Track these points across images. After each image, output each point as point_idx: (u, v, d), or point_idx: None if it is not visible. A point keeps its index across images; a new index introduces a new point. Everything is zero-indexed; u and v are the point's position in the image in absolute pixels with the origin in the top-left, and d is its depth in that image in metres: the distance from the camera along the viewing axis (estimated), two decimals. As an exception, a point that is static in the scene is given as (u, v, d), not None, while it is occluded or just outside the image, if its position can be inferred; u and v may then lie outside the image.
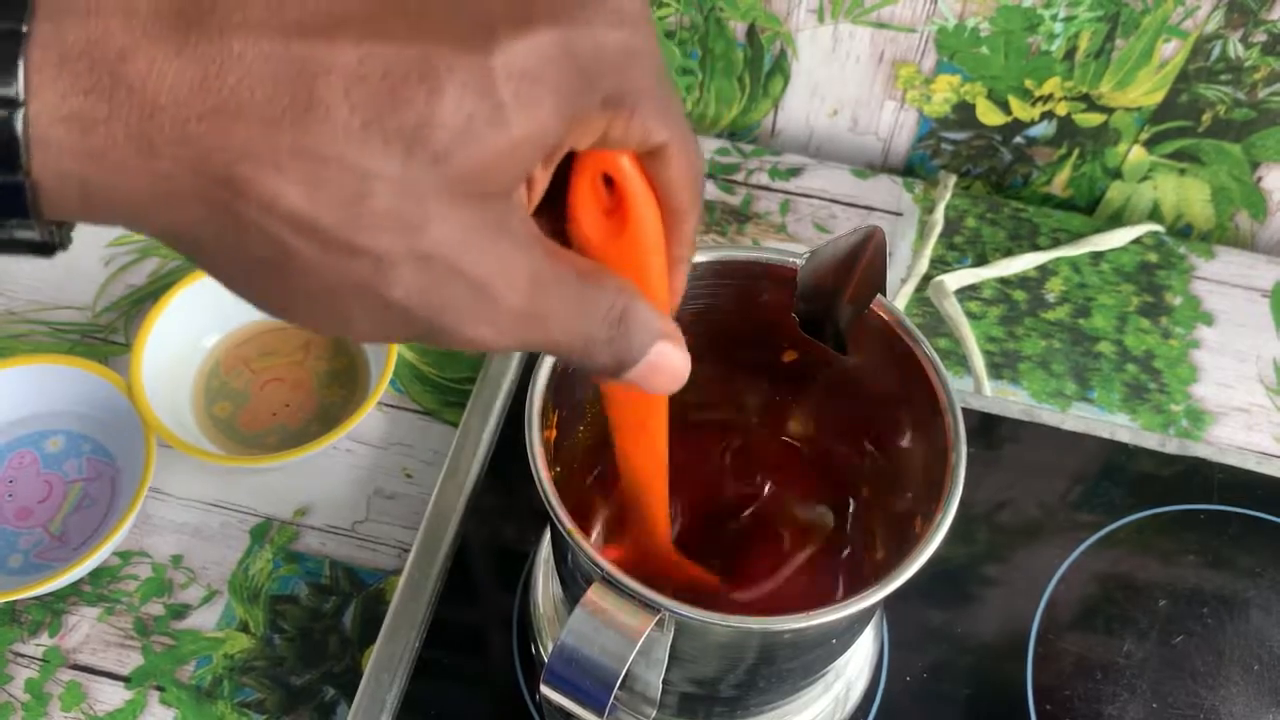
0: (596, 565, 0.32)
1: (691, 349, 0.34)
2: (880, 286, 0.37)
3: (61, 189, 0.21)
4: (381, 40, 0.21)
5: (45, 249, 0.23)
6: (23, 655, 0.49)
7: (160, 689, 0.49)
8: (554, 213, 0.27)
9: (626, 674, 0.31)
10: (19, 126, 0.20)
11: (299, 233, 0.22)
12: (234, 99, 0.21)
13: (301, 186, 0.21)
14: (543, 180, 0.25)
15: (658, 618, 0.31)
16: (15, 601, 0.50)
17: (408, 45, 0.21)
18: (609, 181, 0.26)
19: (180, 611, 0.51)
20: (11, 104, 0.20)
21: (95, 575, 0.52)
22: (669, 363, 0.28)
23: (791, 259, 0.38)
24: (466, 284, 0.23)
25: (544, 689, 0.32)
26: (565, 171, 0.26)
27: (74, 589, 0.51)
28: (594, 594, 0.32)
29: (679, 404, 0.45)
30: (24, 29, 0.20)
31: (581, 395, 0.40)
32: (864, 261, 0.37)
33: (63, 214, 0.22)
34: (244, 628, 0.50)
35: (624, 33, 0.24)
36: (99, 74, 0.21)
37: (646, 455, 0.35)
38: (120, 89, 0.21)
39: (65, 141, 0.21)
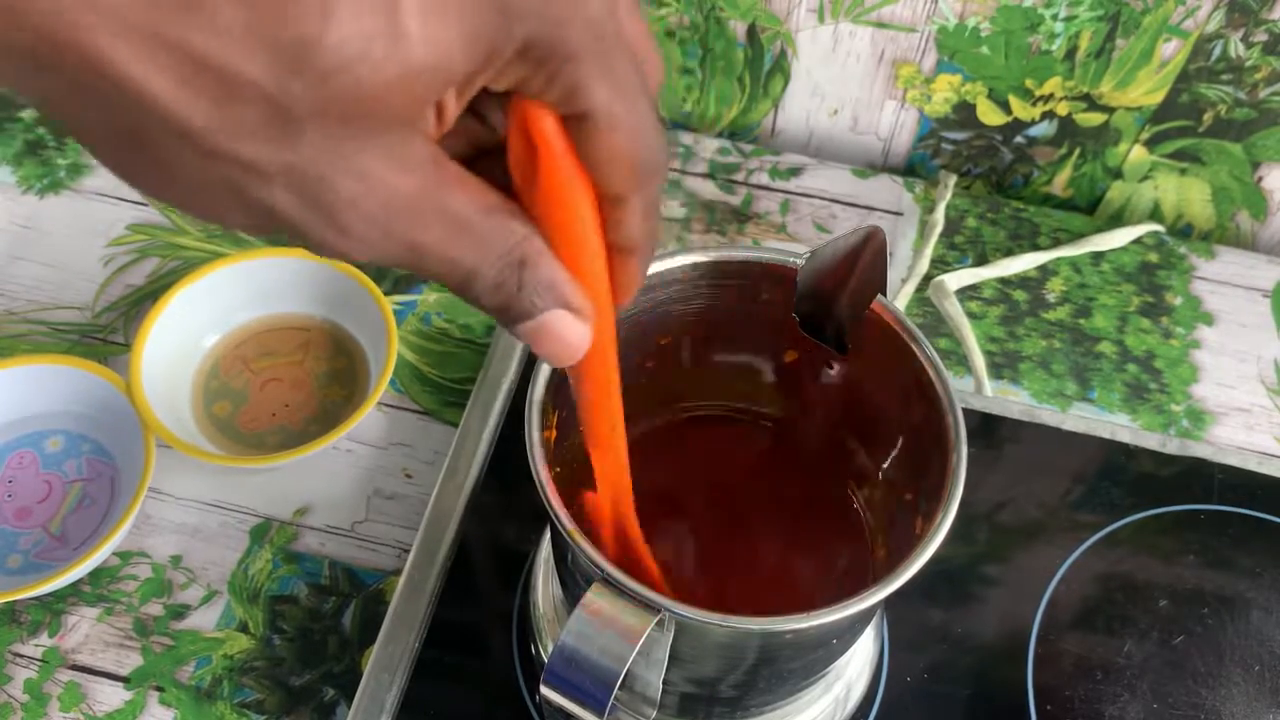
0: (596, 565, 0.32)
1: (691, 349, 0.34)
2: (880, 287, 0.37)
3: None
4: None
5: None
6: (22, 655, 0.49)
7: (160, 689, 0.49)
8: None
9: (626, 674, 0.31)
10: None
11: (167, 126, 0.21)
12: None
13: (172, 80, 0.20)
14: (455, 108, 0.24)
15: (658, 618, 0.31)
16: (15, 602, 0.50)
17: None
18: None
19: (180, 612, 0.51)
20: None
21: (95, 575, 0.52)
22: (561, 332, 0.26)
23: (791, 259, 0.38)
24: (332, 199, 0.22)
25: (544, 690, 0.31)
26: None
27: (73, 589, 0.51)
28: (594, 594, 0.31)
29: (678, 405, 0.45)
30: None
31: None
32: (864, 262, 0.37)
33: None
34: (243, 628, 0.50)
35: None
36: None
37: (596, 421, 0.33)
38: None
39: None
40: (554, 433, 0.37)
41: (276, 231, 0.24)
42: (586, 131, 0.24)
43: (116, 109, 0.21)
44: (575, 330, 0.26)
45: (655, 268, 0.38)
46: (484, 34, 0.21)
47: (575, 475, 0.43)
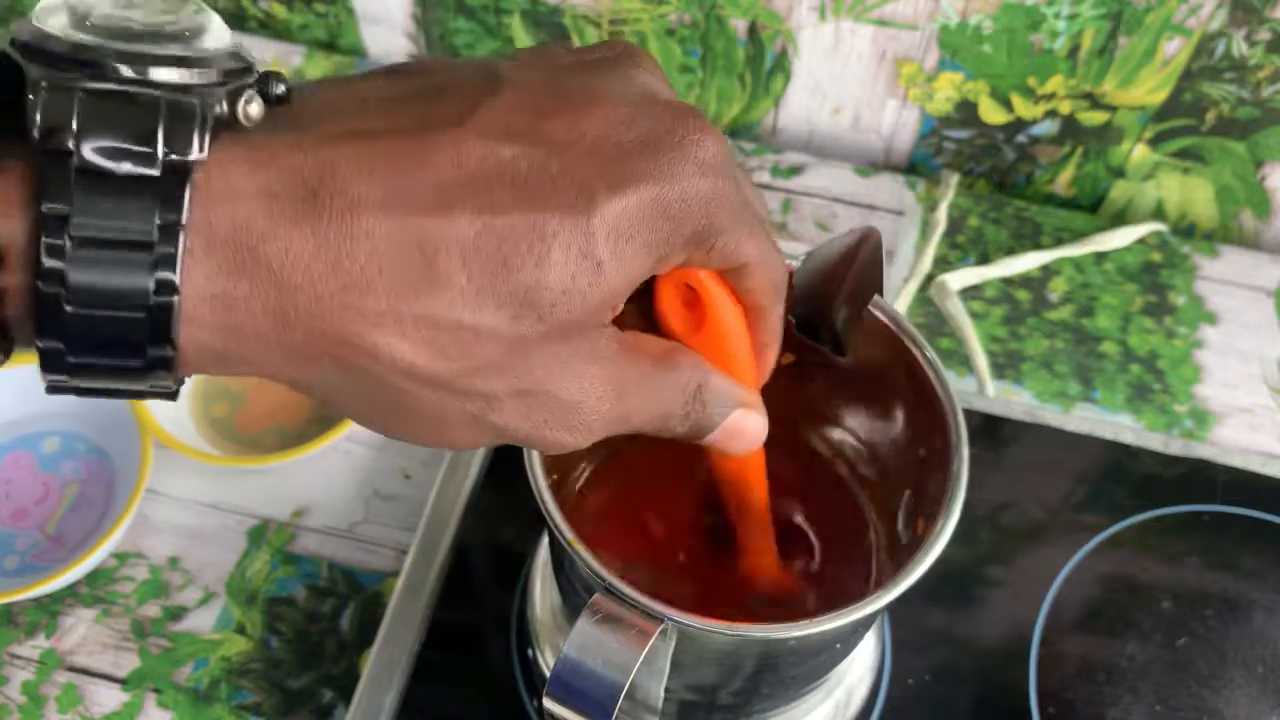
0: (599, 576, 0.31)
1: None
2: (877, 287, 0.37)
3: (200, 356, 0.24)
4: (493, 213, 0.24)
5: (171, 395, 0.25)
6: (19, 657, 0.49)
7: (157, 691, 0.48)
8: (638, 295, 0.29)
9: (629, 684, 0.31)
10: (174, 307, 0.22)
11: (419, 384, 0.25)
12: (363, 276, 0.23)
13: (424, 348, 0.24)
14: (625, 300, 0.28)
15: (661, 627, 0.31)
16: (11, 603, 0.50)
17: (517, 215, 0.24)
18: (691, 288, 0.29)
19: (177, 613, 0.51)
20: (170, 289, 0.22)
21: (92, 577, 0.51)
22: (744, 426, 0.31)
23: (787, 260, 0.38)
24: (559, 406, 0.26)
25: (547, 702, 0.31)
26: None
27: (70, 591, 0.51)
28: (596, 605, 0.31)
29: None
30: (182, 220, 0.22)
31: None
32: (860, 262, 0.37)
33: (196, 373, 0.25)
34: (241, 630, 0.50)
35: (707, 181, 0.26)
36: (242, 256, 0.23)
37: (748, 500, 0.37)
38: (260, 269, 0.23)
39: (209, 319, 0.23)
40: None
41: (498, 443, 0.28)
42: (743, 275, 0.29)
43: (376, 379, 0.25)
44: (753, 421, 0.31)
45: None
46: (660, 242, 0.26)
47: (572, 482, 0.43)
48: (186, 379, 0.26)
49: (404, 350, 0.24)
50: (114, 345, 0.23)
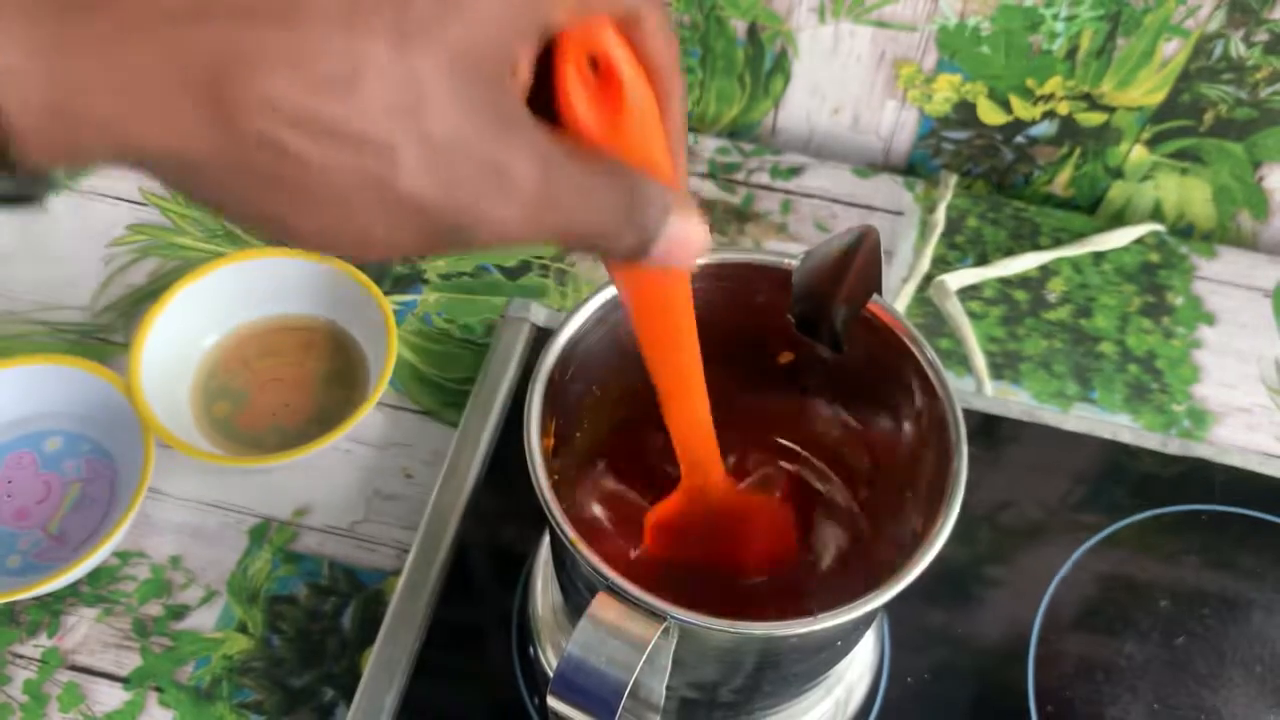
0: (601, 574, 0.31)
1: None
2: (876, 286, 0.37)
3: (35, 122, 0.20)
4: None
5: (25, 200, 0.22)
6: (21, 656, 0.49)
7: (159, 690, 0.49)
8: (540, 113, 0.26)
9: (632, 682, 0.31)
10: None
11: (299, 128, 0.21)
12: (209, 5, 0.20)
13: (295, 78, 0.21)
14: (526, 69, 0.25)
15: (664, 626, 0.31)
16: (14, 602, 0.50)
17: None
18: (595, 67, 0.25)
19: (179, 612, 0.51)
20: None
21: (94, 576, 0.51)
22: (686, 233, 0.27)
23: (786, 260, 0.38)
24: (480, 166, 0.23)
25: (551, 701, 0.31)
26: (550, 73, 0.25)
27: (72, 590, 0.51)
28: (599, 604, 0.31)
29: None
30: None
31: (578, 402, 0.40)
32: (858, 262, 0.37)
33: (45, 153, 0.21)
34: (243, 628, 0.50)
35: None
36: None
37: (680, 364, 0.34)
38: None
39: (32, 70, 0.20)
40: (552, 440, 0.37)
41: (425, 234, 0.23)
42: (643, 30, 0.26)
43: (243, 131, 0.21)
44: (694, 226, 0.27)
45: None
46: None
47: (573, 481, 0.43)
48: (40, 193, 0.22)
49: (271, 81, 0.20)
50: None
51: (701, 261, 0.38)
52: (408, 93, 0.21)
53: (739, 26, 0.66)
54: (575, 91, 0.25)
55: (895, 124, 0.69)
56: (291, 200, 0.22)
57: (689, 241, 0.27)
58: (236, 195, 0.22)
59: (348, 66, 0.21)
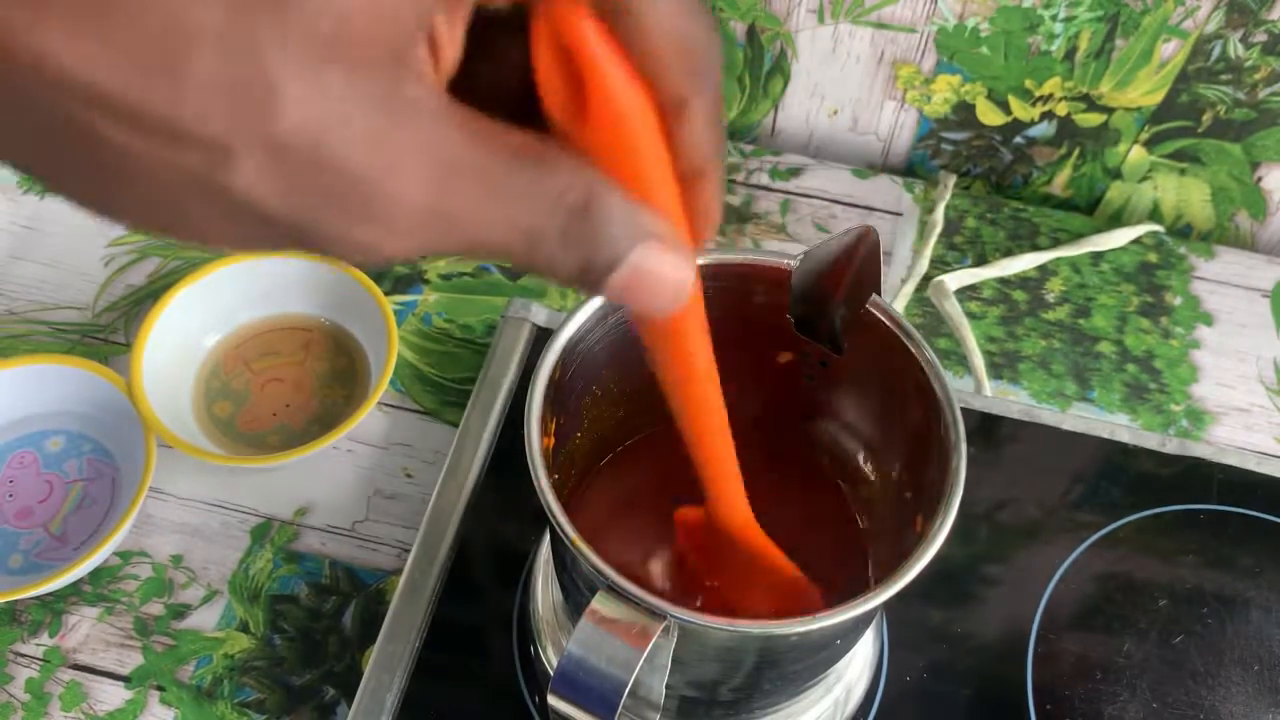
0: (601, 574, 0.31)
1: None
2: (875, 286, 0.37)
3: None
4: None
5: None
6: (23, 655, 0.49)
7: (160, 689, 0.49)
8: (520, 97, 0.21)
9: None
10: None
11: (104, 113, 0.16)
12: None
13: (96, 48, 0.16)
14: (451, 41, 0.20)
15: (664, 624, 0.31)
16: (15, 601, 0.50)
17: None
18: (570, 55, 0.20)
19: (180, 611, 0.51)
20: None
21: (95, 575, 0.52)
22: (657, 269, 0.21)
23: (785, 260, 0.38)
24: (341, 177, 0.18)
25: (551, 700, 0.31)
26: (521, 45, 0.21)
27: (74, 589, 0.51)
28: (599, 603, 0.31)
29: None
30: None
31: (578, 402, 0.40)
32: (858, 261, 0.37)
33: None
34: (244, 628, 0.50)
35: None
36: None
37: (695, 394, 0.30)
38: None
39: None
40: (552, 440, 0.37)
41: (271, 242, 0.19)
42: (628, 19, 0.20)
43: (34, 105, 0.17)
44: (672, 263, 0.21)
45: None
46: None
47: (574, 481, 0.43)
48: None
49: (63, 47, 0.16)
50: None
51: (699, 263, 0.38)
52: (247, 80, 0.17)
53: (738, 28, 0.66)
54: (547, 82, 0.20)
55: (894, 125, 0.69)
56: (105, 189, 0.18)
57: (657, 282, 0.21)
58: (46, 173, 0.18)
59: (168, 38, 0.16)
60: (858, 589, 0.32)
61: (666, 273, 0.21)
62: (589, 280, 0.21)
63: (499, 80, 0.21)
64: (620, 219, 0.21)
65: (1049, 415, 0.56)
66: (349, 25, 0.17)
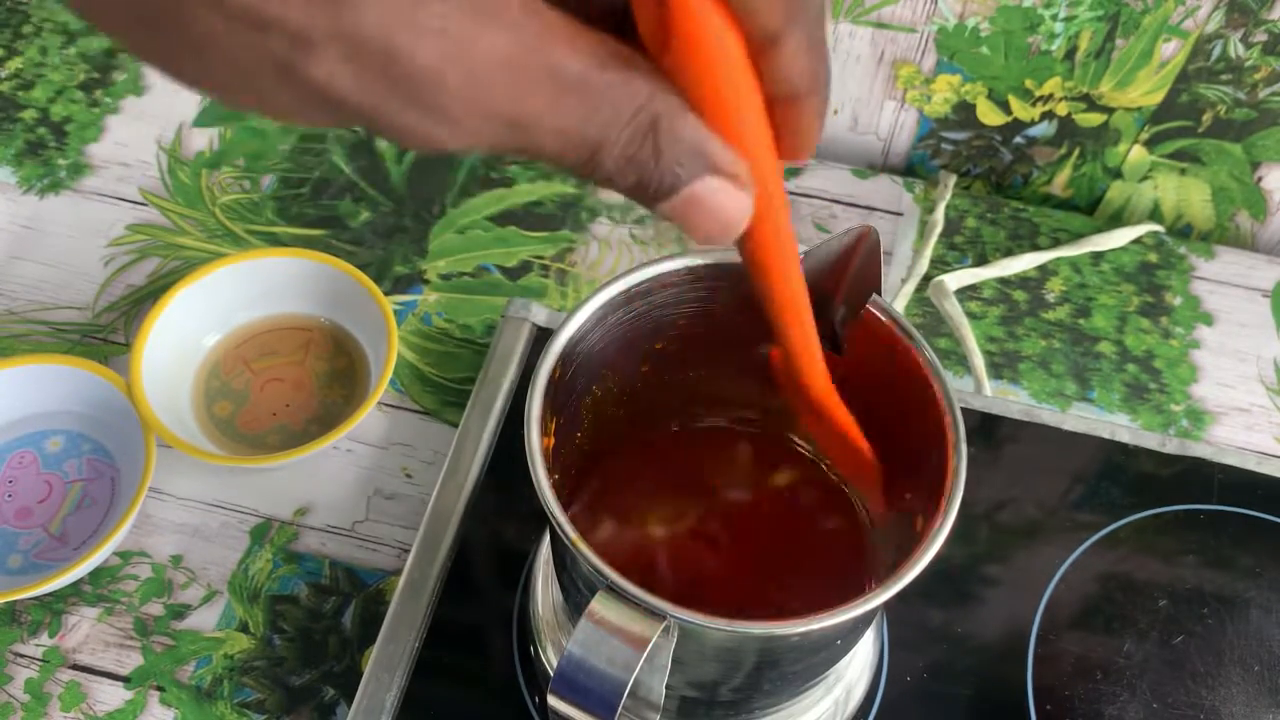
0: (601, 574, 0.31)
1: (686, 353, 0.33)
2: (875, 286, 0.37)
3: None
4: None
5: None
6: (22, 655, 0.49)
7: (160, 689, 0.49)
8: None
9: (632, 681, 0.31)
10: None
11: (210, 4, 0.18)
12: None
13: None
14: None
15: (664, 625, 0.31)
16: (15, 601, 0.50)
17: None
18: None
19: (180, 612, 0.51)
20: None
21: (95, 575, 0.52)
22: (715, 203, 0.22)
23: None
24: (411, 75, 0.19)
25: (552, 700, 0.31)
26: None
27: (74, 589, 0.51)
28: (599, 603, 0.31)
29: (674, 410, 0.45)
30: None
31: (578, 402, 0.40)
32: (858, 261, 0.37)
33: None
34: (244, 628, 0.50)
35: None
36: None
37: (780, 275, 0.29)
38: None
39: None
40: (552, 440, 0.37)
41: (341, 120, 0.20)
42: None
43: None
44: (732, 199, 0.22)
45: (649, 272, 0.38)
46: None
47: (574, 481, 0.43)
48: None
49: None
50: None
51: (701, 263, 0.38)
52: None
53: (738, 27, 0.66)
54: (639, 5, 0.21)
55: (894, 125, 0.69)
56: (194, 59, 0.20)
57: (710, 215, 0.22)
58: (137, 39, 0.20)
59: None
60: (858, 589, 0.32)
61: (722, 206, 0.22)
62: (643, 198, 0.22)
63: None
64: (686, 147, 0.21)
65: (1049, 415, 0.56)
66: None
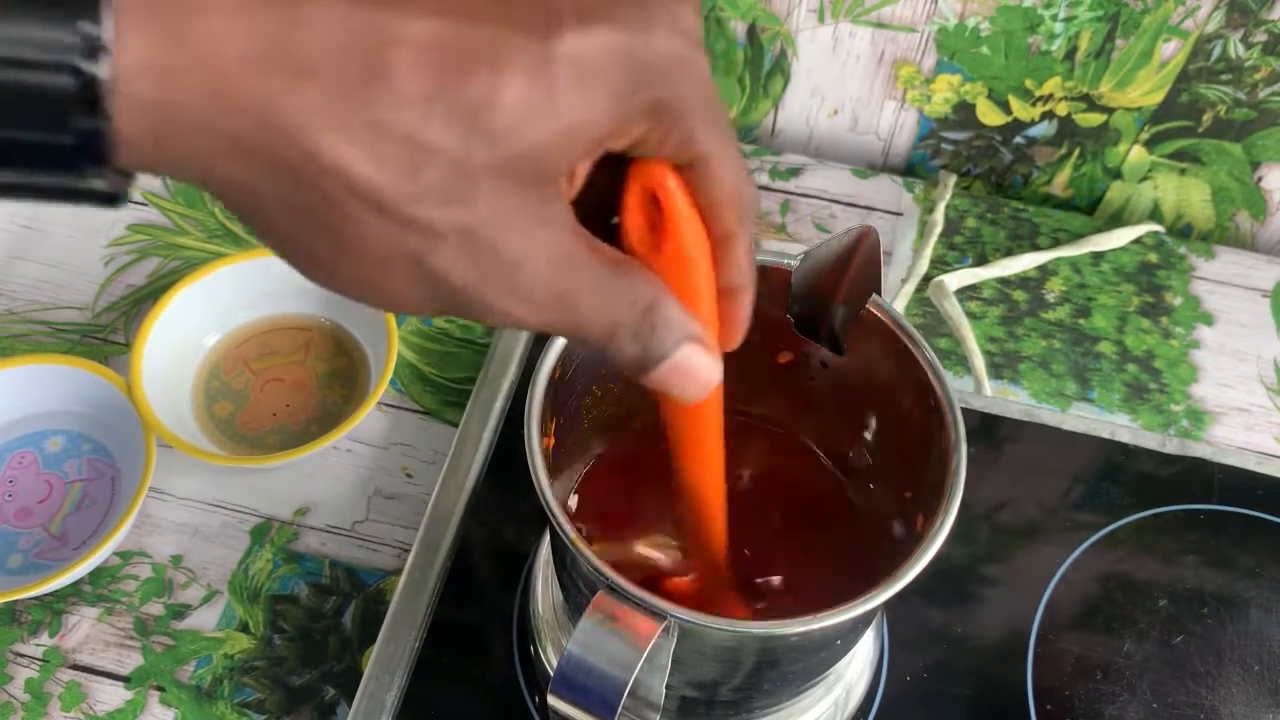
0: (601, 574, 0.32)
1: None
2: (875, 286, 0.37)
3: (137, 138, 0.22)
4: (451, 17, 0.22)
5: (112, 199, 0.24)
6: (23, 655, 0.49)
7: (160, 689, 0.49)
8: (600, 217, 0.27)
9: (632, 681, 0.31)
10: (105, 72, 0.20)
11: (359, 199, 0.22)
12: (304, 64, 0.21)
13: (367, 154, 0.22)
14: (582, 173, 0.27)
15: (664, 624, 0.31)
16: (15, 601, 0.50)
17: (477, 25, 0.22)
18: (656, 200, 0.27)
19: (180, 611, 0.51)
20: (100, 49, 0.20)
21: (95, 575, 0.52)
22: (695, 365, 0.28)
23: (785, 260, 0.38)
24: (503, 260, 0.24)
25: (552, 699, 0.31)
26: (610, 181, 0.27)
27: (74, 589, 0.51)
28: (599, 603, 0.31)
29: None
30: None
31: (578, 402, 0.40)
32: (858, 261, 0.37)
33: (135, 163, 0.23)
34: (244, 628, 0.50)
35: (679, 44, 0.25)
36: (176, 27, 0.21)
37: (702, 472, 0.35)
38: (194, 42, 0.21)
39: (145, 91, 0.21)
40: (552, 440, 0.37)
41: (441, 305, 0.25)
42: (705, 177, 0.26)
43: (317, 190, 0.22)
44: (704, 361, 0.28)
45: None
46: (620, 93, 0.24)
47: (576, 481, 0.43)
48: (126, 192, 0.24)
49: (347, 154, 0.22)
50: (36, 113, 0.21)
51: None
52: (462, 186, 0.23)
53: (739, 28, 0.66)
54: (632, 219, 0.27)
55: (894, 125, 0.69)
56: (335, 254, 0.24)
57: (694, 374, 0.28)
58: (289, 237, 0.24)
59: (416, 152, 0.22)
60: (858, 589, 0.32)
61: (701, 369, 0.28)
62: (643, 366, 0.27)
63: (584, 203, 0.27)
64: (675, 323, 0.27)
65: (1049, 415, 0.56)
66: (535, 157, 0.23)
